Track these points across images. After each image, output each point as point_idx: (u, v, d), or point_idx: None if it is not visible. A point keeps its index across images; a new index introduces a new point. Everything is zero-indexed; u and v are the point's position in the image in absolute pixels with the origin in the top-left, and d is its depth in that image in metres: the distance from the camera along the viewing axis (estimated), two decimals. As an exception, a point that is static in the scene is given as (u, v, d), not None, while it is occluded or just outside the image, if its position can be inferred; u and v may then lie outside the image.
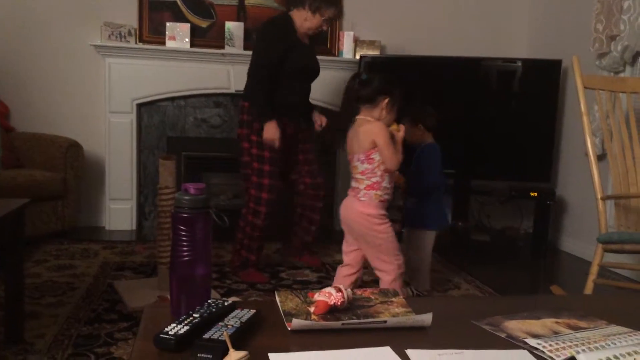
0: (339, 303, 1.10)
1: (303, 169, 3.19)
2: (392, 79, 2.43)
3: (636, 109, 2.85)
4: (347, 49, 4.16)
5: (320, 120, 3.18)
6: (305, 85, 3.14)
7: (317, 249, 3.52)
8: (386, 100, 2.33)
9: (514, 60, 4.07)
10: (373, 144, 2.27)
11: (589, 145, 2.70)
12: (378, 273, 2.42)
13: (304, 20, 2.98)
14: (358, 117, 2.36)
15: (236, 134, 3.12)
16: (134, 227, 4.07)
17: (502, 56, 4.16)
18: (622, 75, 3.39)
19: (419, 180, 2.83)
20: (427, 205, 2.84)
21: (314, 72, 3.15)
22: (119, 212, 4.04)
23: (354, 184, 2.36)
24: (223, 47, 4.00)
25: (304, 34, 3.03)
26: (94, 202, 4.10)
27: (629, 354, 0.89)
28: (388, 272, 2.36)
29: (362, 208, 2.29)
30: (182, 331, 0.94)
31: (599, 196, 2.61)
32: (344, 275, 2.47)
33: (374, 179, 2.29)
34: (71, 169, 3.71)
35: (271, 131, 2.90)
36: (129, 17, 3.96)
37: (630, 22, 3.24)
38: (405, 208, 2.97)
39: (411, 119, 2.82)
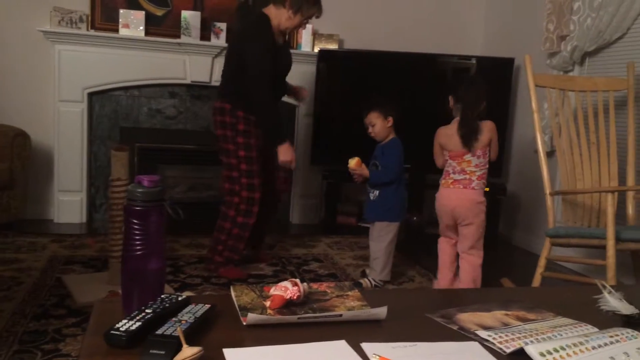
0: (295, 297, 1.10)
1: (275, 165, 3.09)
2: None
3: (584, 107, 2.95)
4: (306, 42, 4.15)
5: (303, 92, 3.19)
6: (280, 84, 3.05)
7: (274, 243, 3.52)
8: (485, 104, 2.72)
9: (468, 58, 4.15)
10: (489, 139, 2.68)
11: (539, 142, 2.78)
12: (470, 257, 2.75)
13: (285, 19, 2.88)
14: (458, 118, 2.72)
15: (215, 135, 2.98)
16: (84, 220, 3.96)
17: (457, 53, 4.23)
18: (571, 74, 3.51)
19: (384, 174, 2.88)
20: (391, 198, 2.90)
21: (288, 69, 3.08)
22: (68, 204, 3.92)
23: (461, 176, 2.68)
24: (179, 37, 3.92)
25: (279, 32, 2.94)
26: (42, 194, 3.96)
27: (574, 344, 0.92)
28: (480, 255, 2.76)
29: (476, 196, 2.68)
30: (133, 327, 0.91)
31: (547, 192, 2.70)
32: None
33: (484, 171, 2.70)
34: (18, 159, 3.58)
35: (288, 153, 2.86)
36: (81, 2, 3.83)
37: (580, 23, 3.35)
38: (367, 200, 2.99)
39: (383, 113, 2.88)
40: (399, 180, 2.92)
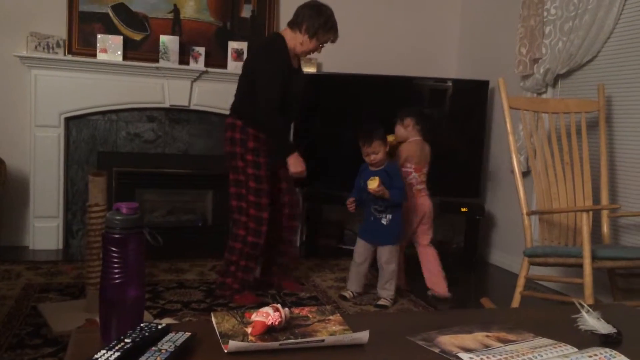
0: (276, 323, 1.09)
1: (282, 187, 3.08)
2: None
3: (557, 129, 3.02)
4: (284, 66, 4.18)
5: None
6: (293, 107, 2.99)
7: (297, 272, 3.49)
8: None
9: (444, 80, 4.22)
10: None
11: (515, 163, 2.83)
12: (432, 249, 3.24)
13: (299, 43, 2.87)
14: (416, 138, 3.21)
15: (224, 151, 2.96)
16: (61, 247, 3.89)
17: (433, 76, 4.31)
18: (544, 96, 3.58)
19: (400, 195, 2.94)
20: (399, 220, 3.00)
21: (301, 93, 3.03)
22: (44, 230, 3.85)
23: (422, 186, 3.22)
24: (157, 61, 3.92)
25: (294, 55, 2.93)
26: (17, 220, 3.88)
27: (554, 365, 0.93)
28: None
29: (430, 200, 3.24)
30: (112, 357, 0.90)
31: (524, 211, 2.74)
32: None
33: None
34: (-8, 186, 3.51)
35: (298, 163, 2.87)
36: (58, 27, 3.81)
37: (552, 47, 3.44)
38: (373, 225, 2.99)
39: (384, 140, 2.97)
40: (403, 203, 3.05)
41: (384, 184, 2.88)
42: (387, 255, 2.98)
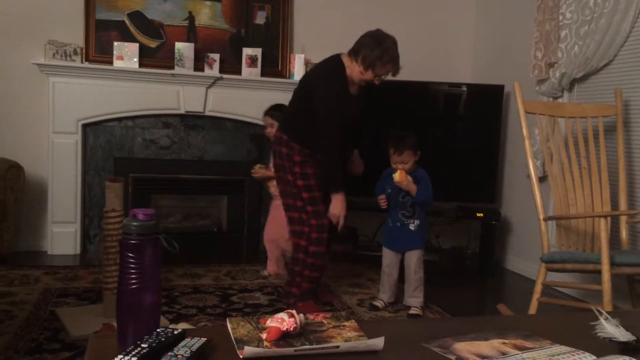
0: (291, 329, 1.09)
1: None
2: None
3: (574, 133, 2.99)
4: (298, 72, 4.19)
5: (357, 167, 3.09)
6: (344, 134, 2.92)
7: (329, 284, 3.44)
8: None
9: (459, 85, 4.20)
10: None
11: (531, 168, 2.81)
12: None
13: (357, 73, 2.81)
14: None
15: (274, 164, 3.01)
16: (78, 252, 3.93)
17: (448, 81, 4.29)
18: (560, 100, 3.56)
19: (428, 195, 2.92)
20: (425, 226, 3.00)
21: (354, 119, 2.94)
22: (62, 235, 3.90)
23: None
24: (173, 68, 3.96)
25: (352, 82, 2.86)
26: (35, 226, 3.94)
27: (572, 373, 0.92)
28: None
29: None
30: (129, 362, 0.91)
31: (541, 217, 2.71)
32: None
33: None
34: (11, 192, 3.56)
35: (338, 206, 2.80)
36: (75, 35, 3.87)
37: (567, 51, 3.41)
38: (399, 231, 2.98)
39: (414, 150, 2.90)
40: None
41: (402, 196, 2.88)
42: (416, 261, 2.96)
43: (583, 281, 3.13)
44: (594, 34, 3.20)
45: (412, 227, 2.95)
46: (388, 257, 3.03)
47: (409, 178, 2.86)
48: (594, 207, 2.82)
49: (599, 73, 3.33)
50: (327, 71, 2.86)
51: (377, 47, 2.76)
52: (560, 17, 3.44)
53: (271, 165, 3.35)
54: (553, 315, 2.03)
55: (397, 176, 2.83)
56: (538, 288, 2.64)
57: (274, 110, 3.50)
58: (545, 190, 3.16)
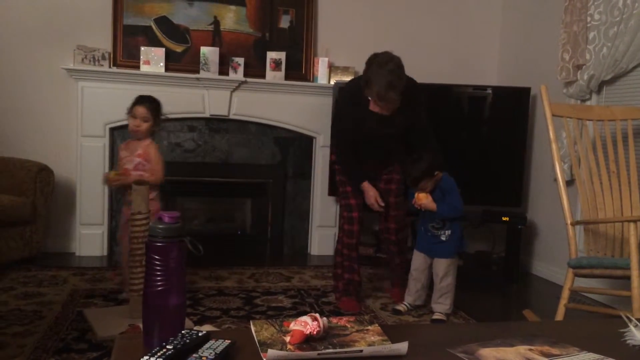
0: (314, 332, 1.10)
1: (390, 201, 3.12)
2: None
3: (602, 136, 2.94)
4: (322, 75, 4.21)
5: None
6: (371, 146, 3.01)
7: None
8: None
9: (484, 88, 4.16)
10: None
11: (558, 171, 2.76)
12: None
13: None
14: None
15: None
16: (105, 253, 4.00)
17: (473, 83, 4.25)
18: (588, 103, 3.49)
19: (454, 209, 2.85)
20: (459, 233, 2.92)
21: (378, 136, 2.94)
22: (89, 237, 3.97)
23: None
24: (198, 72, 4.00)
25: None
26: (64, 228, 4.01)
27: (600, 381, 0.90)
28: None
29: None
30: (155, 364, 0.92)
31: (568, 221, 2.66)
32: None
33: None
34: (41, 194, 3.64)
35: (367, 194, 2.98)
36: (103, 41, 3.94)
37: (596, 52, 3.35)
38: (431, 240, 2.94)
39: (429, 175, 2.82)
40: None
41: (435, 198, 2.83)
42: (444, 269, 2.90)
43: (611, 287, 3.07)
44: (623, 35, 3.14)
45: (443, 237, 2.90)
46: (417, 261, 2.99)
47: (428, 198, 2.81)
48: (623, 211, 2.77)
49: (629, 75, 3.27)
50: (342, 90, 3.06)
51: (368, 69, 2.72)
52: (589, 19, 3.39)
53: (125, 169, 2.94)
54: (581, 321, 1.99)
55: (415, 199, 2.83)
56: (565, 294, 2.59)
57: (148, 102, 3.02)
58: (572, 194, 3.10)
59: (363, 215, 3.06)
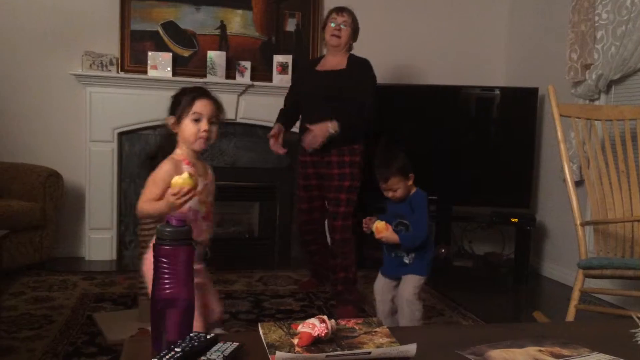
0: (323, 334, 1.09)
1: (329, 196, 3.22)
2: None
3: (611, 136, 2.92)
4: (329, 78, 4.20)
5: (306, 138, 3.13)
6: (317, 104, 3.13)
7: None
8: None
9: (492, 89, 4.15)
10: None
11: (567, 172, 2.74)
12: None
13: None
14: None
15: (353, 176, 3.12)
16: (115, 257, 4.01)
17: (480, 84, 4.24)
18: (597, 102, 3.47)
19: (418, 236, 2.45)
20: (429, 253, 2.52)
21: (320, 91, 3.14)
22: (99, 242, 3.98)
23: None
24: (205, 76, 4.02)
25: (330, 55, 3.31)
26: (73, 232, 4.03)
27: (611, 382, 0.89)
28: None
29: None
30: (163, 366, 0.92)
31: (578, 222, 2.65)
32: None
33: None
34: (50, 199, 3.66)
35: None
36: (111, 46, 3.96)
37: (604, 52, 3.33)
38: (394, 261, 2.54)
39: (404, 175, 2.44)
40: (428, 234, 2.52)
41: (404, 218, 2.48)
42: (411, 289, 2.45)
43: (622, 287, 3.05)
44: (632, 34, 3.12)
45: (406, 260, 2.50)
46: (380, 282, 2.59)
47: (389, 229, 2.42)
48: (633, 211, 2.74)
49: (637, 74, 3.24)
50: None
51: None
52: (596, 18, 3.37)
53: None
54: (591, 322, 1.97)
55: (375, 231, 2.43)
56: (575, 295, 2.57)
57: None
58: (581, 195, 3.08)
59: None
